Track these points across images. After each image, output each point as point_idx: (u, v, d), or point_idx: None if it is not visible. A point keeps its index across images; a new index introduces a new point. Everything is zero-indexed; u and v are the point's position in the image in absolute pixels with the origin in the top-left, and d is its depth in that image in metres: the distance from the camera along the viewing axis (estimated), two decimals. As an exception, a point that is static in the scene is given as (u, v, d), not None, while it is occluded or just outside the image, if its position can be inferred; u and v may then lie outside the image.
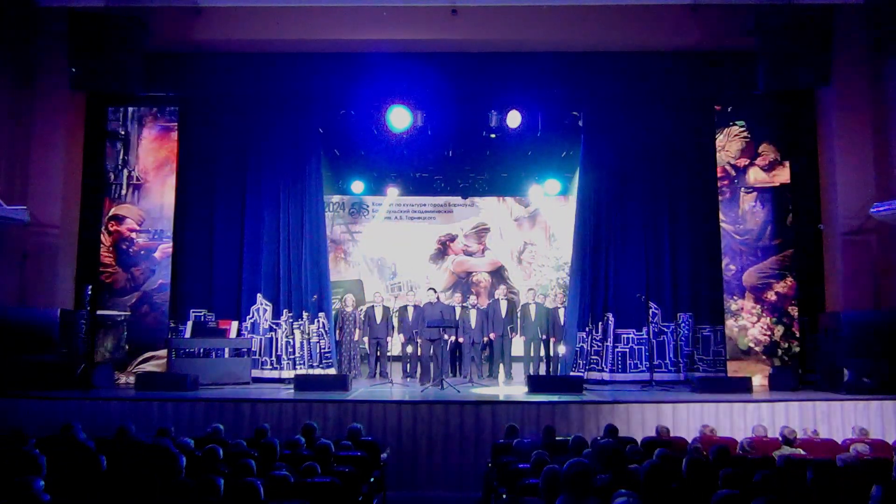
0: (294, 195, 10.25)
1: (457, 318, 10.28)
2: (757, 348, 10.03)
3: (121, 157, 10.42)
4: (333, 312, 10.71)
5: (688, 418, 7.57)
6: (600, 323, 10.03)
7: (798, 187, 10.20)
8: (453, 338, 10.36)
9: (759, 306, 10.10)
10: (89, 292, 8.66)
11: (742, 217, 10.27)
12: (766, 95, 9.88)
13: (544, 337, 10.31)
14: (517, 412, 7.54)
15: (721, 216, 10.22)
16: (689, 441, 6.02)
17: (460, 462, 7.36)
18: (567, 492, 3.32)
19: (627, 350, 9.97)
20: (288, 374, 9.78)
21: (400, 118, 9.95)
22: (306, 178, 10.30)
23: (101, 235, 10.25)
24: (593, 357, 9.99)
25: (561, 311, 10.44)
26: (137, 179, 10.37)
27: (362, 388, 9.11)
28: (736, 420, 7.60)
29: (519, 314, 10.57)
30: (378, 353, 10.60)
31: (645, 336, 9.79)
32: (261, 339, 9.96)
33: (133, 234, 10.28)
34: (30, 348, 8.63)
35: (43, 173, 9.47)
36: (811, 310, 9.92)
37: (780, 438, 5.89)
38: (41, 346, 8.68)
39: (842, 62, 9.14)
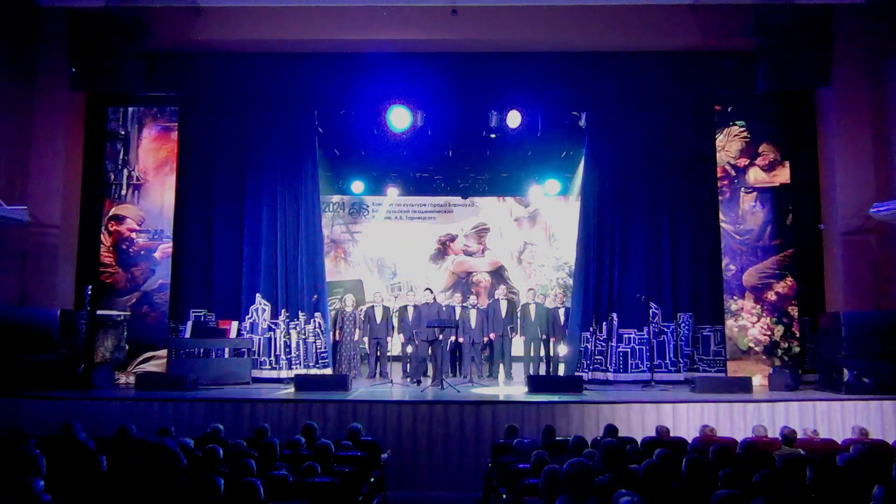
0: (291, 195, 10.26)
1: (455, 317, 10.29)
2: (757, 348, 10.03)
3: (121, 157, 10.42)
4: (333, 312, 10.74)
5: (688, 418, 7.57)
6: (604, 323, 10.04)
7: (798, 187, 10.20)
8: (453, 338, 10.37)
9: (759, 306, 10.10)
10: (89, 292, 8.65)
11: (742, 217, 10.27)
12: (766, 95, 9.88)
13: (544, 337, 10.31)
14: (517, 412, 7.54)
15: (721, 216, 10.22)
16: (689, 441, 6.01)
17: (460, 462, 7.37)
18: (567, 492, 3.32)
19: (629, 350, 9.97)
20: (286, 374, 9.80)
21: (400, 118, 9.95)
22: (303, 178, 10.30)
23: (101, 235, 10.25)
24: (597, 357, 10.00)
25: (561, 311, 10.44)
26: (137, 179, 10.37)
27: (362, 388, 9.11)
28: (736, 420, 7.60)
29: (519, 314, 10.58)
30: (378, 353, 10.60)
31: (646, 336, 9.80)
32: (259, 339, 9.96)
33: (133, 234, 10.28)
34: (30, 348, 8.63)
35: (43, 173, 9.47)
36: (811, 310, 9.93)
37: (780, 438, 5.89)
38: (41, 346, 8.68)
39: (842, 62, 9.14)
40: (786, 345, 10.02)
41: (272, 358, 9.98)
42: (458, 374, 10.54)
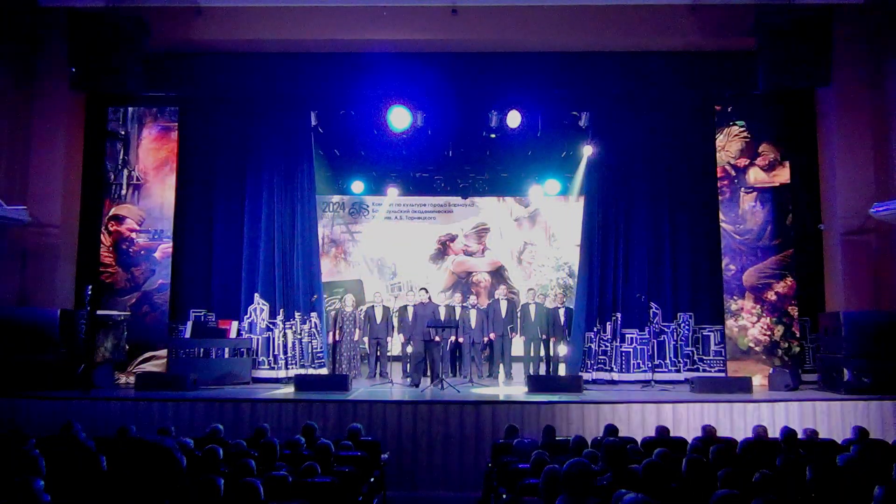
0: (287, 195, 10.28)
1: (452, 317, 10.28)
2: (757, 348, 10.03)
3: (121, 157, 10.42)
4: (333, 312, 10.74)
5: (688, 418, 7.58)
6: (608, 323, 10.05)
7: (798, 187, 10.20)
8: (453, 338, 10.37)
9: (759, 306, 10.10)
10: (89, 292, 8.64)
11: (742, 217, 10.27)
12: (766, 95, 9.88)
13: (544, 337, 10.31)
14: (517, 412, 7.54)
15: (721, 216, 10.22)
16: (689, 441, 6.01)
17: (460, 462, 7.37)
18: (567, 492, 3.32)
19: (632, 350, 9.98)
20: (284, 373, 9.82)
21: (400, 118, 9.95)
22: (299, 178, 10.32)
23: (101, 235, 10.25)
24: (601, 357, 10.00)
25: (561, 311, 10.44)
26: (137, 179, 10.37)
27: (362, 388, 9.11)
28: (736, 420, 7.60)
29: (519, 314, 10.57)
30: (378, 353, 10.60)
31: (647, 336, 9.80)
32: (258, 339, 9.97)
33: (133, 234, 10.28)
34: (30, 348, 8.63)
35: (43, 173, 9.47)
36: (811, 310, 9.93)
37: (780, 438, 5.89)
38: (41, 346, 8.68)
39: (842, 62, 9.13)
40: (786, 345, 10.02)
41: (270, 358, 9.99)
42: (457, 375, 10.53)
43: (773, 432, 6.54)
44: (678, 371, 9.90)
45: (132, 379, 9.28)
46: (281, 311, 10.05)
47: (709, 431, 6.35)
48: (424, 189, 13.08)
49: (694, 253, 10.20)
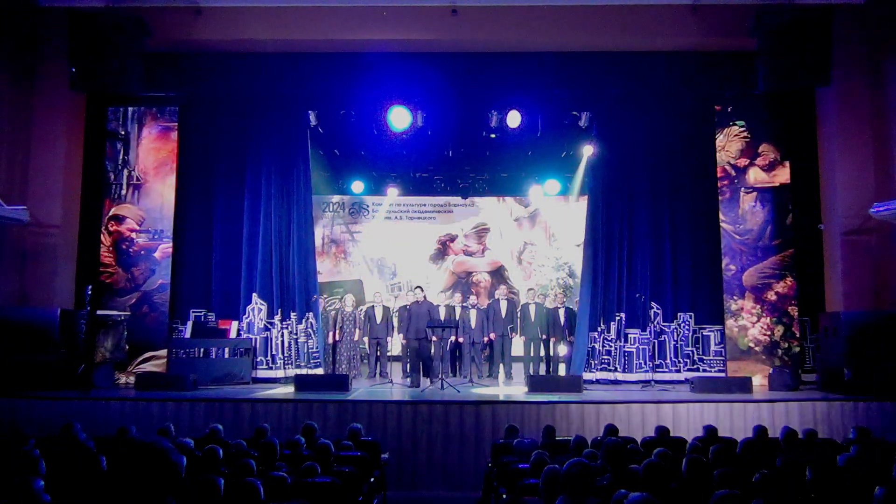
0: (284, 195, 10.29)
1: (452, 317, 10.28)
2: (757, 348, 10.03)
3: (121, 157, 10.41)
4: (333, 312, 10.74)
5: (688, 418, 7.58)
6: (612, 323, 10.05)
7: (798, 187, 10.20)
8: (453, 338, 10.37)
9: (759, 306, 10.10)
10: (89, 292, 8.65)
11: (742, 217, 10.27)
12: (766, 95, 9.89)
13: (544, 337, 10.32)
14: (517, 412, 7.54)
15: (721, 216, 10.23)
16: (689, 441, 6.01)
17: (460, 462, 7.37)
18: (567, 492, 3.32)
19: (634, 350, 9.98)
20: (282, 373, 9.84)
21: (400, 118, 9.95)
22: (295, 178, 10.33)
23: (101, 235, 10.25)
24: (605, 357, 10.01)
25: (561, 311, 10.45)
26: (137, 179, 10.37)
27: (362, 388, 9.11)
28: (736, 420, 7.60)
29: (519, 314, 10.58)
30: (378, 353, 10.60)
31: (648, 336, 9.81)
32: (256, 339, 9.97)
33: (133, 234, 10.28)
34: (30, 348, 8.63)
35: (43, 173, 9.47)
36: (811, 310, 9.93)
37: (780, 438, 5.88)
38: (41, 346, 8.68)
39: (842, 62, 9.13)
40: (786, 345, 10.02)
41: (268, 357, 10.00)
42: (457, 374, 10.54)
43: (773, 432, 6.54)
44: (678, 371, 9.91)
45: (132, 379, 9.28)
46: (279, 311, 10.06)
47: (710, 432, 6.35)
48: (424, 189, 13.09)
49: (694, 253, 10.20)
